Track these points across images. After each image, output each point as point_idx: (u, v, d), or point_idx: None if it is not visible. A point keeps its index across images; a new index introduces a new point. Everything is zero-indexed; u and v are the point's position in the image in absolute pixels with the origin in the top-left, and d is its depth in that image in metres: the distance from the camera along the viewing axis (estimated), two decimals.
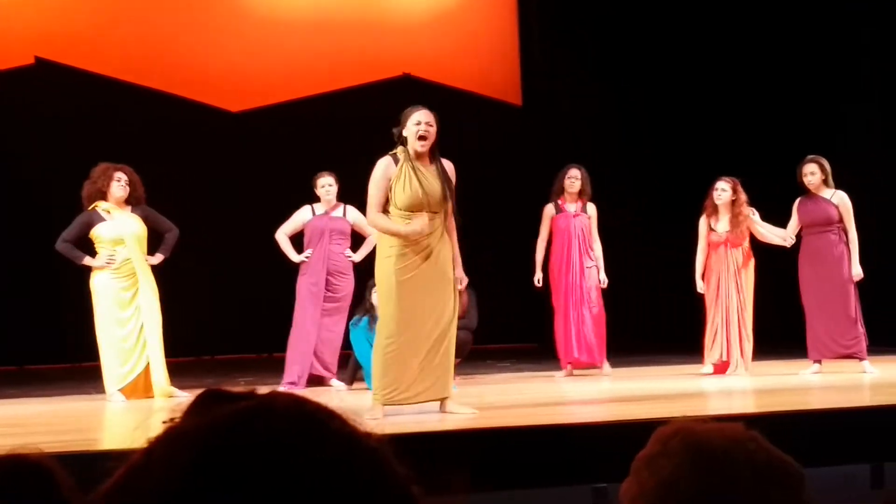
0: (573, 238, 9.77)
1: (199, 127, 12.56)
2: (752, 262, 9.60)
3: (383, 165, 6.80)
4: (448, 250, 6.81)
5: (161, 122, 12.25)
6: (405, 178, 6.71)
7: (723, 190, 9.52)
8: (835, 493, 5.58)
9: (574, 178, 9.79)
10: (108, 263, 8.48)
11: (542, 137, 13.64)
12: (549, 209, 9.88)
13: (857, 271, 9.31)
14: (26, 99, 12.07)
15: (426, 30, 13.59)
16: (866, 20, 12.99)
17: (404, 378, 6.69)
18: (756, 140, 12.85)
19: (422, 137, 6.72)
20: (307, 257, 9.08)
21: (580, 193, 9.83)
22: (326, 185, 9.18)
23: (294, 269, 9.21)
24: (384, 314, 6.76)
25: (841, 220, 9.37)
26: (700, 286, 9.66)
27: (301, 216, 9.24)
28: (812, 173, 9.40)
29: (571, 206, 9.83)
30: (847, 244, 9.35)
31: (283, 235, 9.20)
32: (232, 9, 13.02)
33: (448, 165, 6.91)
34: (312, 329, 9.04)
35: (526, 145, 13.65)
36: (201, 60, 12.71)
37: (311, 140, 12.34)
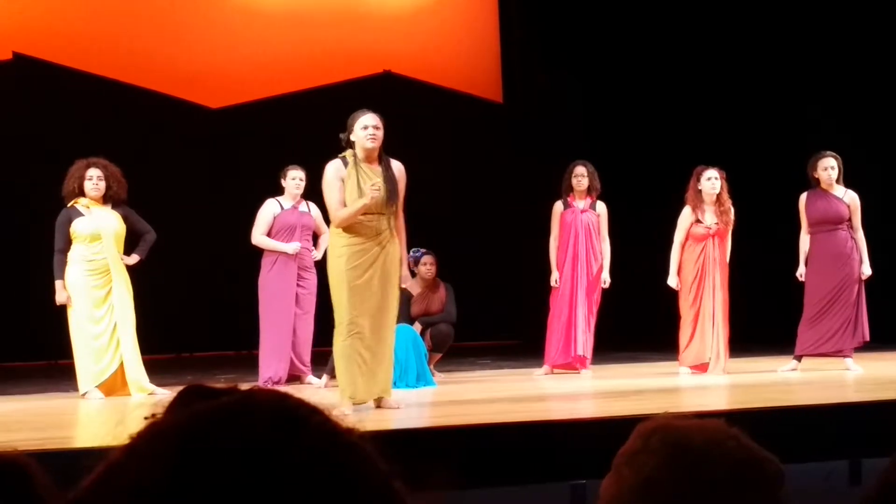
0: (579, 234, 9.73)
1: (177, 123, 12.51)
2: (728, 256, 9.54)
3: (334, 167, 7.07)
4: (396, 251, 7.10)
5: (139, 119, 12.19)
6: (353, 182, 6.98)
7: (716, 179, 9.34)
8: (813, 489, 5.60)
9: (581, 177, 9.75)
10: (65, 302, 8.49)
11: (523, 134, 13.65)
12: (558, 206, 9.84)
13: (867, 270, 9.31)
14: (4, 95, 12.00)
15: (407, 26, 13.57)
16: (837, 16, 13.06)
17: (364, 374, 6.94)
18: (734, 135, 12.88)
19: (371, 139, 6.96)
20: (298, 246, 9.10)
21: (589, 190, 9.81)
22: (298, 178, 9.22)
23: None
24: (338, 313, 7.00)
25: (850, 219, 9.34)
26: (674, 281, 9.54)
27: (269, 211, 9.21)
28: (833, 168, 9.25)
29: (580, 203, 9.80)
30: (856, 242, 9.34)
31: (261, 237, 9.18)
32: (211, 4, 12.97)
33: (396, 166, 7.16)
34: (289, 325, 9.04)
35: (507, 142, 13.66)
36: (180, 56, 12.65)
37: (291, 137, 12.29)
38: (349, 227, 6.96)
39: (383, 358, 7.03)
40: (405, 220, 7.29)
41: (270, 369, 8.96)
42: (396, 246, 7.07)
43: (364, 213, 6.95)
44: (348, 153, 7.03)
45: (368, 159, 7.00)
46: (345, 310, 6.91)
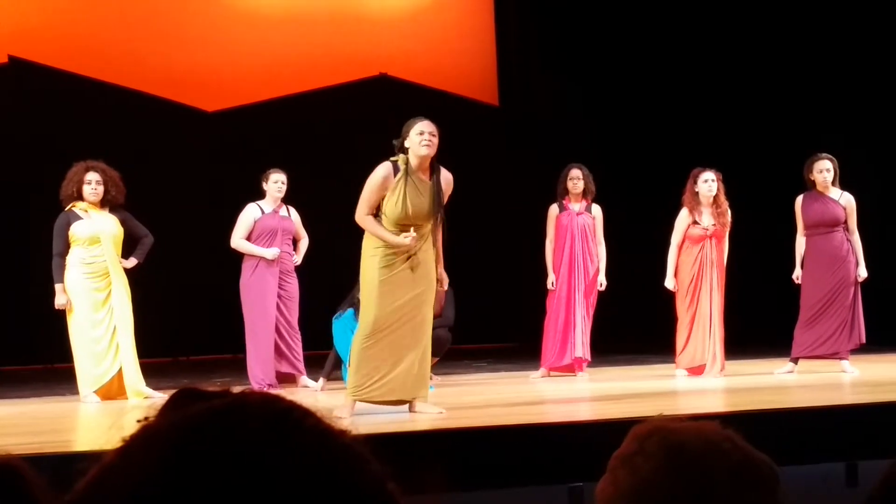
0: (575, 237, 9.74)
1: (173, 127, 12.50)
2: (725, 258, 9.53)
3: (383, 173, 6.91)
4: (431, 254, 6.97)
5: (136, 122, 12.19)
6: (399, 193, 6.85)
7: (713, 181, 9.32)
8: (810, 491, 5.60)
9: (577, 179, 9.76)
10: (64, 306, 8.48)
11: (519, 137, 13.65)
12: (554, 209, 9.85)
13: (863, 272, 9.30)
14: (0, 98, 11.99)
15: (403, 29, 13.57)
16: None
17: (378, 375, 6.83)
18: (730, 137, 12.89)
19: (427, 145, 6.82)
20: (278, 252, 9.06)
21: (584, 193, 9.81)
22: (280, 181, 9.18)
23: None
24: (365, 313, 6.91)
25: (846, 221, 9.33)
26: (671, 283, 9.53)
27: (250, 215, 9.17)
28: (828, 170, 9.23)
29: (576, 206, 9.81)
30: (852, 244, 9.34)
31: (241, 241, 9.14)
32: (207, 7, 12.97)
33: (445, 177, 7.04)
34: (272, 329, 9.02)
35: (503, 145, 13.66)
36: (176, 60, 12.65)
37: (288, 140, 12.29)
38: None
39: (414, 358, 6.86)
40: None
41: (259, 373, 8.94)
42: (432, 250, 6.96)
43: (402, 224, 6.83)
44: (401, 159, 6.89)
45: (421, 168, 6.88)
46: (372, 308, 6.82)
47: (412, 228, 6.82)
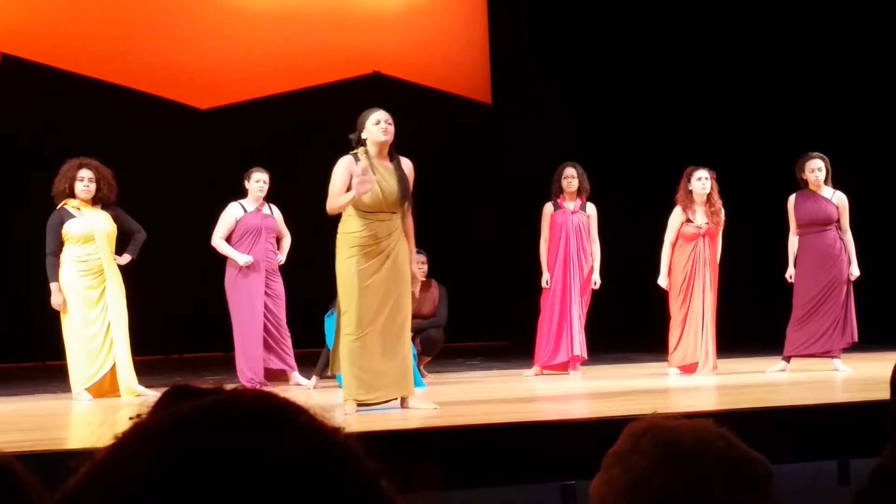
0: (570, 235, 9.73)
1: (167, 124, 12.48)
2: (718, 256, 9.54)
3: (345, 162, 6.95)
4: (406, 250, 7.02)
5: (129, 120, 12.16)
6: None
7: (706, 180, 9.34)
8: (802, 489, 5.61)
9: (571, 178, 9.75)
10: (60, 305, 8.44)
11: (512, 136, 13.65)
12: (548, 208, 9.84)
13: (856, 271, 9.31)
14: None
15: (396, 27, 13.57)
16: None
17: (371, 377, 6.85)
18: (724, 136, 12.90)
19: (384, 132, 6.89)
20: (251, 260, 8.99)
21: (579, 191, 9.81)
22: (262, 181, 9.15)
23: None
24: (347, 314, 6.90)
25: (838, 220, 9.35)
26: (664, 282, 9.54)
27: (232, 214, 9.13)
28: (819, 169, 9.25)
29: (570, 204, 9.81)
30: (845, 243, 9.35)
31: (220, 241, 9.10)
32: (201, 5, 12.95)
33: (406, 164, 7.09)
34: (259, 326, 8.99)
35: (495, 143, 13.65)
36: (169, 57, 12.63)
37: (281, 138, 12.28)
38: (362, 227, 6.86)
39: (399, 357, 6.91)
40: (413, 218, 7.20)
41: (248, 372, 8.91)
42: (405, 245, 7.00)
43: (375, 212, 6.86)
44: (360, 151, 6.93)
45: (381, 155, 6.92)
46: (354, 311, 6.82)
47: (380, 214, 6.85)
